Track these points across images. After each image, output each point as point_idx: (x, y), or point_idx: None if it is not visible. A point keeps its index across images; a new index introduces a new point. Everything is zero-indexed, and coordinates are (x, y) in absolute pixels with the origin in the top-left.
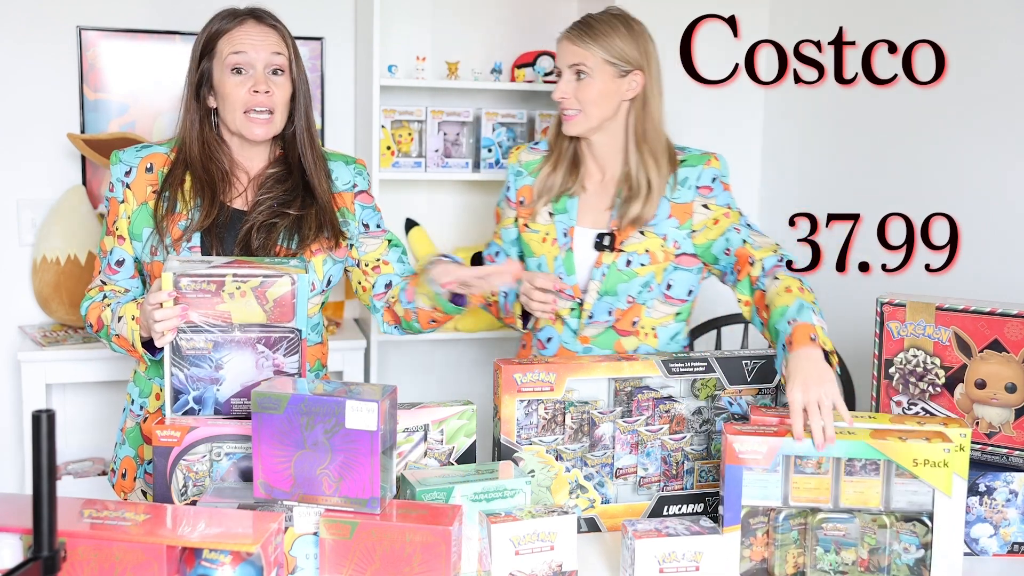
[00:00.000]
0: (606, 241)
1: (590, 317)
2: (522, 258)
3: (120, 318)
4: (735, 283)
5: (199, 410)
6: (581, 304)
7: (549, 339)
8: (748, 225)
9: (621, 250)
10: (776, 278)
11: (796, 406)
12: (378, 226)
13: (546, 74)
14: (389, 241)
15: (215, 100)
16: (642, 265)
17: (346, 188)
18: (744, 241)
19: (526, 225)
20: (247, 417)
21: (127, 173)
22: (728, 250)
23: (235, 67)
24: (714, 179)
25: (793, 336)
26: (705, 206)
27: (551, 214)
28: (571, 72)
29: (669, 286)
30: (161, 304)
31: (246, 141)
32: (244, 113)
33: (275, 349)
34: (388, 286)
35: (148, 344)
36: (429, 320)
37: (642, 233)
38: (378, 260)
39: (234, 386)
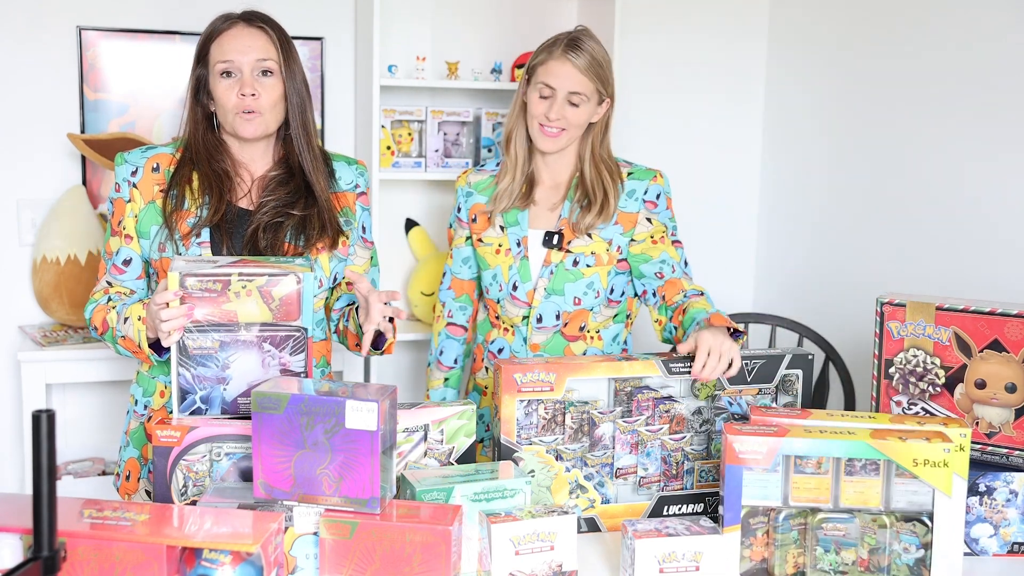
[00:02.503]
0: (555, 240)
1: (538, 321)
2: (479, 277)
3: (126, 319)
4: (656, 304)
5: (206, 409)
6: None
7: (500, 350)
8: (685, 264)
9: (569, 250)
10: (691, 300)
11: (704, 347)
12: (370, 232)
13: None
14: (371, 258)
15: (213, 104)
16: (588, 266)
17: (349, 188)
18: (680, 276)
19: (480, 240)
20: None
21: (133, 173)
22: (661, 274)
23: (223, 72)
24: (658, 195)
25: (712, 319)
26: (648, 220)
27: (502, 227)
28: (567, 96)
29: (612, 290)
30: (167, 304)
31: (244, 140)
32: (235, 115)
33: (281, 348)
34: (349, 306)
35: (155, 345)
36: (354, 344)
37: (589, 236)
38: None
39: (241, 385)
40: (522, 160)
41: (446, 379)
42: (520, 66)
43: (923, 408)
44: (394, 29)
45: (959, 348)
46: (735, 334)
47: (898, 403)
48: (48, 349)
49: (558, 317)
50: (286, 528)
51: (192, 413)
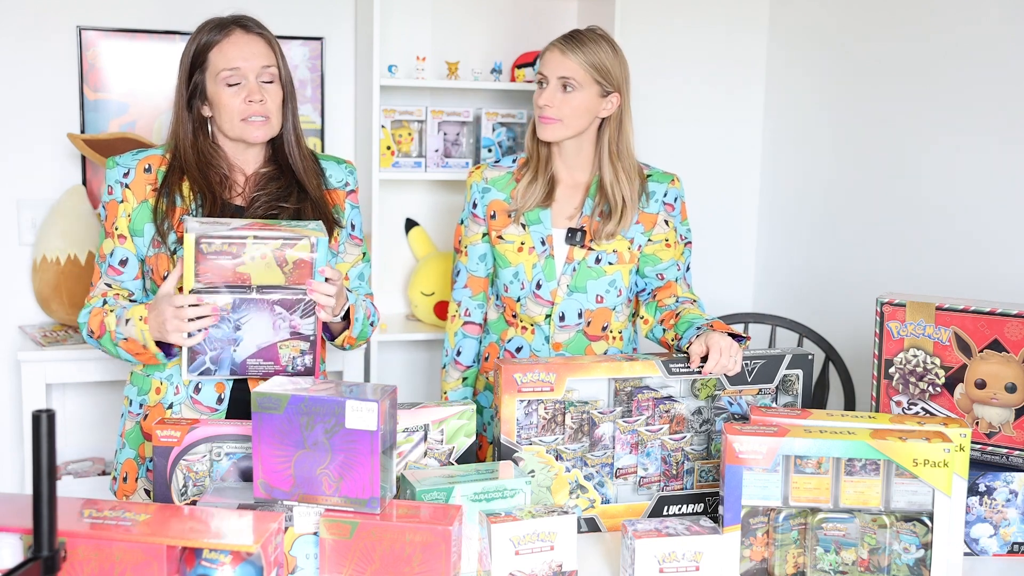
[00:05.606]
0: (577, 237)
1: (561, 319)
2: (494, 275)
3: (127, 321)
4: (646, 302)
5: (215, 370)
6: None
7: (519, 349)
8: (688, 268)
9: (591, 248)
10: (684, 305)
11: (716, 347)
12: (359, 230)
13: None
14: (363, 255)
15: (209, 110)
16: (610, 264)
17: (339, 186)
18: (677, 279)
19: (499, 237)
20: (264, 378)
21: (125, 175)
22: (662, 275)
23: (228, 81)
24: (676, 199)
25: (714, 324)
26: (666, 221)
27: (523, 225)
28: (558, 83)
29: (631, 288)
30: (185, 306)
31: (242, 144)
32: (242, 120)
33: (292, 311)
34: None
35: (161, 345)
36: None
37: (612, 234)
38: (346, 273)
39: (251, 347)
40: (543, 160)
41: (464, 378)
42: (520, 66)
43: (923, 408)
44: (394, 29)
45: (959, 348)
46: (738, 338)
47: (898, 403)
48: (48, 349)
49: (580, 315)
50: (286, 528)
51: (201, 374)
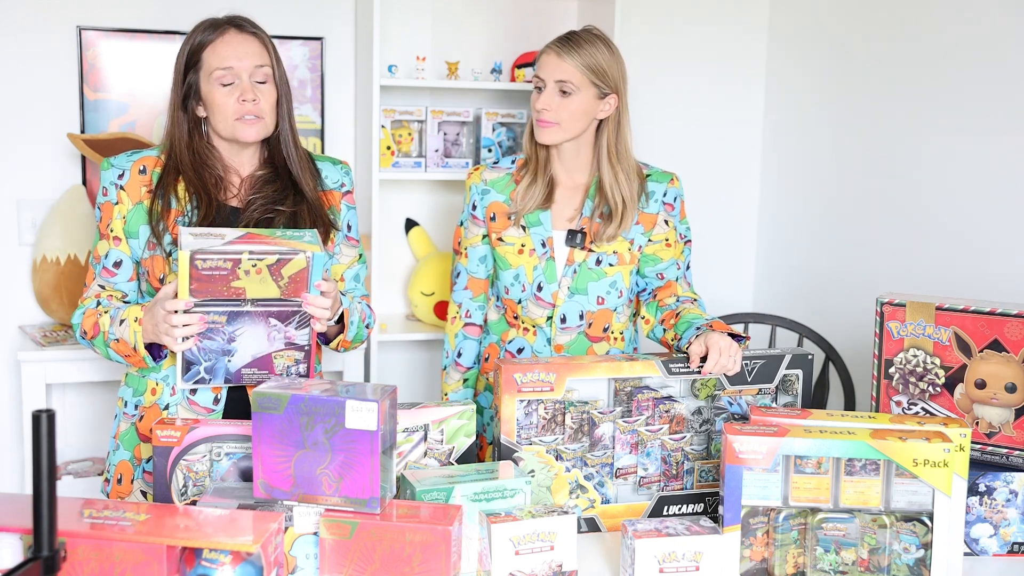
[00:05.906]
0: (578, 239)
1: (562, 321)
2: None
3: (122, 321)
4: (647, 302)
5: (210, 379)
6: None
7: (520, 350)
8: (688, 267)
9: (592, 249)
10: (684, 304)
11: (715, 348)
12: (355, 231)
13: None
14: (360, 256)
15: (204, 110)
16: (611, 265)
17: (335, 187)
18: (678, 278)
19: (500, 239)
20: (258, 384)
21: (120, 176)
22: (662, 275)
23: (222, 79)
24: (675, 198)
25: (714, 324)
26: (666, 221)
27: (524, 227)
28: (555, 86)
29: (631, 289)
30: (176, 311)
31: (237, 145)
32: (235, 120)
33: (287, 323)
34: None
35: (150, 348)
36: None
37: (613, 236)
38: (341, 274)
39: (245, 357)
40: (543, 161)
41: (465, 380)
42: (520, 66)
43: (923, 408)
44: (394, 29)
45: (959, 348)
46: (738, 338)
47: (898, 403)
48: (48, 349)
49: (582, 317)
50: (286, 528)
51: (196, 382)
